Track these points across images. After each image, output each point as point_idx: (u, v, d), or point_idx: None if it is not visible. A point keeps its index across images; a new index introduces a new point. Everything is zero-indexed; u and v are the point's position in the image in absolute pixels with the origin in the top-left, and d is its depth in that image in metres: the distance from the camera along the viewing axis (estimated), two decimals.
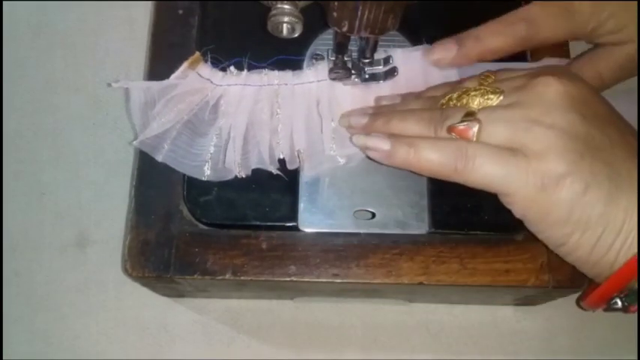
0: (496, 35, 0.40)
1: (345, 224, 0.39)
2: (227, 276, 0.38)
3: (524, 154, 0.32)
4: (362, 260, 0.39)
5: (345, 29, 0.35)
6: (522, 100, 0.33)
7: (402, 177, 0.40)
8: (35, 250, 0.47)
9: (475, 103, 0.34)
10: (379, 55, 0.42)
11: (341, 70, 0.40)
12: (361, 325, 0.46)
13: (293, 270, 0.39)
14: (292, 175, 0.40)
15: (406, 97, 0.40)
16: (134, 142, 0.40)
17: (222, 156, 0.40)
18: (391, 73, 0.42)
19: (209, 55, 0.42)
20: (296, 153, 0.40)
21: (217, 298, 0.46)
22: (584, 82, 0.34)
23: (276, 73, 0.42)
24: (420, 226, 0.39)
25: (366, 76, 0.41)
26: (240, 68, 0.42)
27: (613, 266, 0.32)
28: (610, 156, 0.32)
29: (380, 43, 0.39)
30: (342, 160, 0.40)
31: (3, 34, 0.53)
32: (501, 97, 0.34)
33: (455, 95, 0.35)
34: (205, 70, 0.41)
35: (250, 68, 0.42)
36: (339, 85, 0.41)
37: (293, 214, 0.39)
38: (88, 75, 0.52)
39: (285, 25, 0.35)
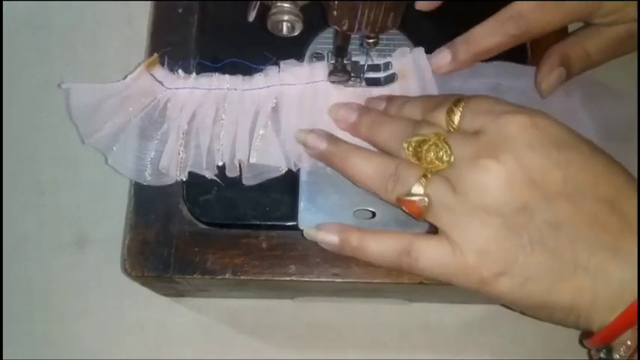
0: (487, 37, 0.40)
1: (345, 223, 0.39)
2: (227, 275, 0.38)
3: (462, 250, 0.33)
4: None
5: (345, 28, 0.35)
6: (464, 182, 0.33)
7: None
8: (34, 250, 0.47)
9: (428, 159, 0.34)
10: (379, 61, 0.42)
11: (340, 74, 0.40)
12: (361, 325, 0.46)
13: (293, 269, 0.39)
14: (292, 175, 0.40)
15: (390, 104, 0.40)
16: (87, 142, 0.41)
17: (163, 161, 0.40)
18: (391, 78, 0.42)
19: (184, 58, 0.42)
20: (236, 162, 0.40)
21: (217, 298, 0.46)
22: (537, 152, 0.32)
23: (226, 77, 0.41)
24: (421, 226, 0.39)
25: (363, 80, 0.41)
26: (234, 71, 0.41)
27: (580, 329, 0.34)
28: (553, 242, 0.32)
29: (380, 42, 0.39)
30: (283, 169, 0.40)
31: (3, 33, 0.53)
32: (451, 160, 0.34)
33: (414, 143, 0.35)
34: (160, 72, 0.41)
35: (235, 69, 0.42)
36: (287, 93, 0.41)
37: (293, 214, 0.39)
38: (88, 74, 0.52)
39: (284, 24, 0.35)
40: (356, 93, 0.41)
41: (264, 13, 0.35)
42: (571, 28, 0.44)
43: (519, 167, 0.32)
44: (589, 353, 0.35)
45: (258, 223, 0.40)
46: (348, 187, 0.40)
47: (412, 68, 0.42)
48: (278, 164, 0.40)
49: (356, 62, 0.42)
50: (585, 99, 0.43)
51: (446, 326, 0.46)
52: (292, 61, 0.41)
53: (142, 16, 0.50)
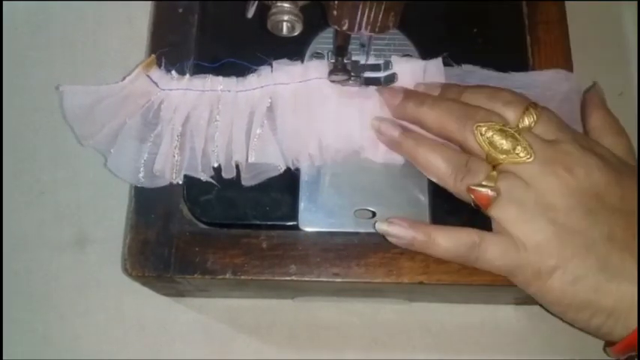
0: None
1: (345, 223, 0.39)
2: (227, 275, 0.38)
3: (525, 245, 0.36)
4: (362, 259, 0.39)
5: (345, 28, 0.35)
6: (539, 183, 0.36)
7: (402, 176, 0.40)
8: (34, 250, 0.47)
9: (504, 148, 0.36)
10: (380, 59, 0.42)
11: (340, 73, 0.40)
12: (361, 325, 0.46)
13: (293, 269, 0.39)
14: (293, 175, 0.40)
15: (446, 90, 0.40)
16: (86, 144, 0.41)
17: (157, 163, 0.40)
18: (391, 78, 0.42)
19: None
20: (232, 163, 0.40)
21: (217, 298, 0.46)
22: (603, 171, 0.36)
23: (220, 79, 0.41)
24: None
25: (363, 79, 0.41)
26: (232, 71, 0.41)
27: (611, 337, 0.36)
28: (606, 250, 0.35)
29: (380, 42, 0.40)
30: (282, 168, 0.40)
31: (3, 33, 0.53)
32: (529, 160, 0.36)
33: (491, 127, 0.37)
34: (156, 73, 0.42)
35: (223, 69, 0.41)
36: (282, 93, 0.41)
37: (293, 214, 0.39)
38: (88, 74, 0.52)
39: (285, 24, 0.35)
40: (351, 90, 0.41)
41: (264, 13, 0.35)
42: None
43: (589, 181, 0.36)
44: None
45: (258, 222, 0.40)
46: (349, 186, 0.40)
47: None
48: (277, 163, 0.39)
49: (356, 62, 0.42)
50: None
51: (446, 326, 0.46)
52: (285, 60, 0.41)
53: (142, 16, 0.50)
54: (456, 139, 0.38)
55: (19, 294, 0.47)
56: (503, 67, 0.42)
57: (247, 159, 0.39)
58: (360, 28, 0.35)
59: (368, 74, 0.42)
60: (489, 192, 0.36)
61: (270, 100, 0.41)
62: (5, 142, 0.50)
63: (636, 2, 0.39)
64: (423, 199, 0.40)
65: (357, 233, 0.39)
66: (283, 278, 0.39)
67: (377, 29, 0.35)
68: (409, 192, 0.40)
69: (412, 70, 0.41)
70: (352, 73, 0.40)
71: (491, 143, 0.37)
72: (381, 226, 0.38)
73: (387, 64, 0.42)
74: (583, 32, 0.47)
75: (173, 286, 0.42)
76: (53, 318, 0.46)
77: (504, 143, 0.36)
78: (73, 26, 0.53)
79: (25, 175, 0.49)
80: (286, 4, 0.34)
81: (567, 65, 0.44)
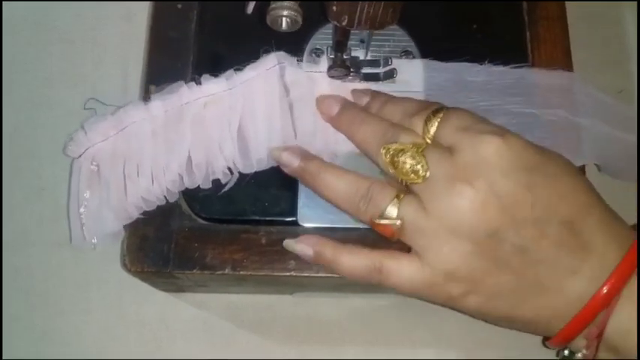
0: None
1: (344, 219, 0.39)
2: (226, 271, 0.38)
3: (432, 270, 0.35)
4: None
5: (344, 23, 0.35)
6: (438, 205, 0.34)
7: None
8: (34, 246, 0.47)
9: (404, 170, 0.35)
10: (379, 56, 0.42)
11: (340, 69, 0.40)
12: (361, 320, 0.46)
13: (292, 265, 0.39)
14: None
15: (373, 101, 0.40)
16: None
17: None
18: (390, 73, 0.42)
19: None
20: (226, 170, 0.40)
21: (217, 293, 0.46)
22: (509, 177, 0.33)
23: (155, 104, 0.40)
24: None
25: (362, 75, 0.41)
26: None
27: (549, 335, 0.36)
28: (520, 264, 0.34)
29: (380, 38, 0.39)
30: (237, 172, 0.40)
31: (2, 29, 0.53)
32: (427, 175, 0.34)
33: (392, 150, 0.36)
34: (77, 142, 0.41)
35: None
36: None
37: (292, 209, 0.39)
38: (87, 70, 0.51)
39: (284, 19, 0.35)
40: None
41: (264, 8, 0.35)
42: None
43: (492, 194, 0.33)
44: (557, 353, 0.38)
45: (257, 218, 0.40)
46: None
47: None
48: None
49: (355, 57, 0.42)
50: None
51: (445, 321, 0.46)
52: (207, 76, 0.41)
53: (141, 13, 0.50)
54: (374, 162, 0.37)
55: (19, 290, 0.47)
56: (502, 63, 0.42)
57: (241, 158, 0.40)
58: (359, 24, 0.35)
59: (367, 70, 0.42)
60: (391, 225, 0.35)
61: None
62: (5, 138, 0.50)
63: (636, 2, 0.39)
64: None
65: (356, 229, 0.39)
66: (282, 274, 0.39)
67: (376, 25, 0.35)
68: None
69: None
70: (351, 69, 0.40)
71: (394, 165, 0.35)
72: (289, 244, 0.38)
73: (387, 60, 0.42)
74: (583, 31, 0.47)
75: (172, 282, 0.42)
76: (52, 314, 0.46)
77: (406, 163, 0.35)
78: (72, 21, 0.53)
79: (25, 171, 0.49)
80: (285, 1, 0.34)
81: (567, 62, 0.44)
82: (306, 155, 0.39)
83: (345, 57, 0.40)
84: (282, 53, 0.41)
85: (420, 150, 0.35)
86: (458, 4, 0.44)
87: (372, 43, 0.42)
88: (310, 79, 0.41)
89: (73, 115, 0.50)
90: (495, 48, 0.44)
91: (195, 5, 0.45)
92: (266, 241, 0.39)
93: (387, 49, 0.43)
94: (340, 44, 0.39)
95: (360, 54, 0.42)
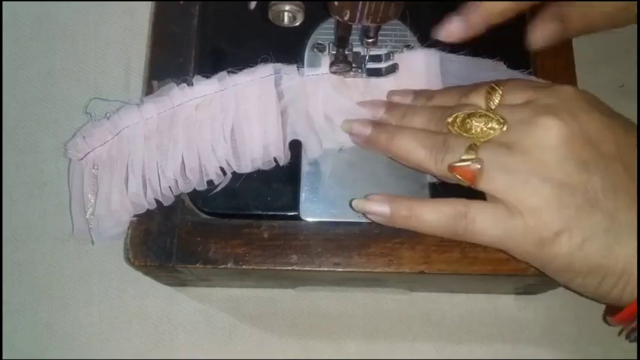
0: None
1: (346, 213, 0.39)
2: (229, 265, 0.39)
3: (521, 211, 0.33)
4: (363, 249, 0.39)
5: (346, 18, 0.35)
6: (522, 142, 0.33)
7: (403, 167, 0.40)
8: (37, 241, 0.48)
9: (478, 129, 0.34)
10: (381, 51, 0.42)
11: (341, 64, 0.40)
12: (362, 314, 0.46)
13: (294, 259, 0.39)
14: (294, 165, 0.40)
15: (418, 97, 0.40)
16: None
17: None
18: (392, 68, 0.42)
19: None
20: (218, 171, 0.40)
21: (219, 287, 0.47)
22: (591, 115, 0.33)
23: (150, 106, 0.40)
24: None
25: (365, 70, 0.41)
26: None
27: (620, 302, 0.33)
28: (611, 204, 0.32)
29: (381, 32, 0.39)
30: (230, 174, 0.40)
31: (3, 24, 0.53)
32: (504, 128, 0.34)
33: (460, 116, 0.35)
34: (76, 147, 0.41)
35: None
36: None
37: (294, 204, 0.39)
38: (89, 65, 0.52)
39: (286, 14, 0.35)
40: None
41: (265, 3, 0.35)
42: None
43: (578, 126, 0.32)
44: (627, 334, 0.35)
45: (259, 213, 0.40)
46: (349, 177, 0.40)
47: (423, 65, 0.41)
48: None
49: (357, 53, 0.42)
50: None
51: (446, 316, 0.46)
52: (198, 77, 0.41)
53: (143, 7, 0.50)
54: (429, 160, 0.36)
55: (23, 284, 0.47)
56: (503, 58, 0.42)
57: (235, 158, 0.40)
58: (361, 19, 0.35)
59: (369, 65, 0.42)
60: (471, 165, 0.33)
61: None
62: (7, 133, 0.50)
63: (636, 2, 0.39)
64: (424, 188, 0.40)
65: (358, 223, 0.39)
66: (285, 268, 0.39)
67: (378, 20, 0.35)
68: (409, 182, 0.40)
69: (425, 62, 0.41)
70: (353, 65, 0.41)
71: (463, 127, 0.35)
72: (359, 204, 0.37)
73: (389, 55, 0.42)
74: None
75: (175, 276, 0.42)
76: (56, 308, 0.46)
77: (480, 122, 0.34)
78: (74, 16, 0.53)
79: (28, 166, 0.49)
80: None
81: (569, 57, 0.44)
82: (376, 123, 0.39)
83: (347, 52, 0.40)
84: (279, 65, 0.41)
85: (490, 110, 0.34)
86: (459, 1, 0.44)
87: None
88: (306, 83, 0.41)
89: (76, 110, 0.50)
90: (496, 43, 0.43)
91: (198, 1, 0.45)
92: (268, 235, 0.39)
93: (389, 43, 0.42)
94: (342, 39, 0.39)
95: (362, 49, 0.42)
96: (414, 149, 0.36)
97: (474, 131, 0.34)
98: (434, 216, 0.35)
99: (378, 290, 0.46)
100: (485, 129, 0.34)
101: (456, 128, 0.35)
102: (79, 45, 0.52)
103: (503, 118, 0.34)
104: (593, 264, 0.32)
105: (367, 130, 0.39)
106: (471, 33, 0.39)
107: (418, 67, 0.42)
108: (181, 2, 0.45)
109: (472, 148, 0.34)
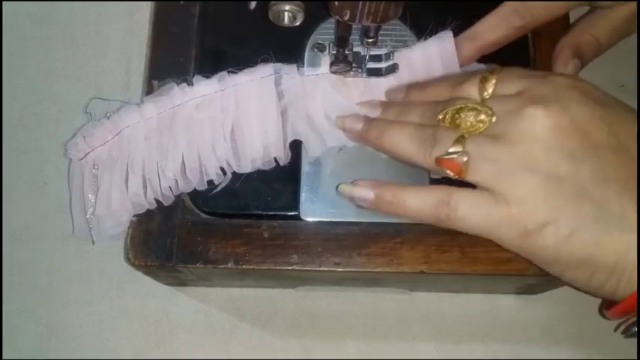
0: (491, 31, 0.40)
1: (346, 213, 0.39)
2: (229, 265, 0.39)
3: (506, 200, 0.32)
4: (363, 249, 0.39)
5: (346, 18, 0.35)
6: (510, 133, 0.33)
7: (403, 166, 0.40)
8: (38, 240, 0.48)
9: (468, 123, 0.34)
10: (381, 50, 0.42)
11: (342, 64, 0.40)
12: (363, 314, 0.46)
13: (295, 259, 0.39)
14: (294, 165, 0.40)
15: (411, 90, 0.40)
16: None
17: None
18: (392, 68, 0.42)
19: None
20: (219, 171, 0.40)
21: (219, 287, 0.47)
22: (583, 105, 0.32)
23: (150, 106, 0.40)
24: None
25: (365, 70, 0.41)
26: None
27: (614, 296, 0.32)
28: (600, 193, 0.31)
29: (381, 32, 0.39)
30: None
31: (3, 23, 0.53)
32: (493, 120, 0.34)
33: (450, 112, 0.35)
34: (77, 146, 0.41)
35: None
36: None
37: (295, 204, 0.39)
38: (90, 64, 0.52)
39: (286, 14, 0.35)
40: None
41: (265, 3, 0.35)
42: (573, 17, 0.44)
43: (567, 116, 0.32)
44: (625, 329, 0.34)
45: (260, 212, 0.40)
46: (350, 176, 0.40)
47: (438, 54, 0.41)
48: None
49: (357, 53, 0.42)
50: None
51: (446, 315, 0.46)
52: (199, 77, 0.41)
53: (143, 7, 0.50)
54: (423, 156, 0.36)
55: (23, 284, 0.47)
56: (503, 57, 0.42)
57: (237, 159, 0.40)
58: (361, 19, 0.35)
59: (369, 65, 0.42)
60: (458, 157, 0.33)
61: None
62: (8, 133, 0.50)
63: (636, 2, 0.39)
64: None
65: (358, 223, 0.39)
66: (285, 268, 0.39)
67: (378, 20, 0.35)
68: (410, 182, 0.40)
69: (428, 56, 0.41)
70: (353, 64, 0.41)
71: (453, 122, 0.35)
72: (345, 189, 0.37)
73: (389, 55, 0.42)
74: None
75: (175, 276, 0.42)
76: (56, 307, 0.46)
77: (469, 116, 0.34)
78: (74, 16, 0.53)
79: (28, 166, 0.49)
80: None
81: None
82: (367, 118, 0.39)
83: (347, 52, 0.40)
84: (279, 65, 0.41)
85: (480, 103, 0.34)
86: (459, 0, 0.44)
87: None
88: (306, 82, 0.41)
89: (76, 110, 0.50)
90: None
91: (198, 1, 0.45)
92: (268, 235, 0.39)
93: (389, 43, 0.42)
94: (342, 39, 0.39)
95: (362, 49, 0.42)
96: (404, 143, 0.36)
97: (464, 125, 0.34)
98: (416, 202, 0.35)
99: (378, 290, 0.46)
100: (474, 122, 0.34)
101: (447, 124, 0.35)
102: (79, 45, 0.52)
103: (491, 110, 0.34)
104: (582, 256, 0.31)
105: (358, 126, 0.39)
106: (464, 64, 0.40)
107: (418, 65, 0.41)
108: (181, 2, 0.45)
109: (459, 140, 0.34)
